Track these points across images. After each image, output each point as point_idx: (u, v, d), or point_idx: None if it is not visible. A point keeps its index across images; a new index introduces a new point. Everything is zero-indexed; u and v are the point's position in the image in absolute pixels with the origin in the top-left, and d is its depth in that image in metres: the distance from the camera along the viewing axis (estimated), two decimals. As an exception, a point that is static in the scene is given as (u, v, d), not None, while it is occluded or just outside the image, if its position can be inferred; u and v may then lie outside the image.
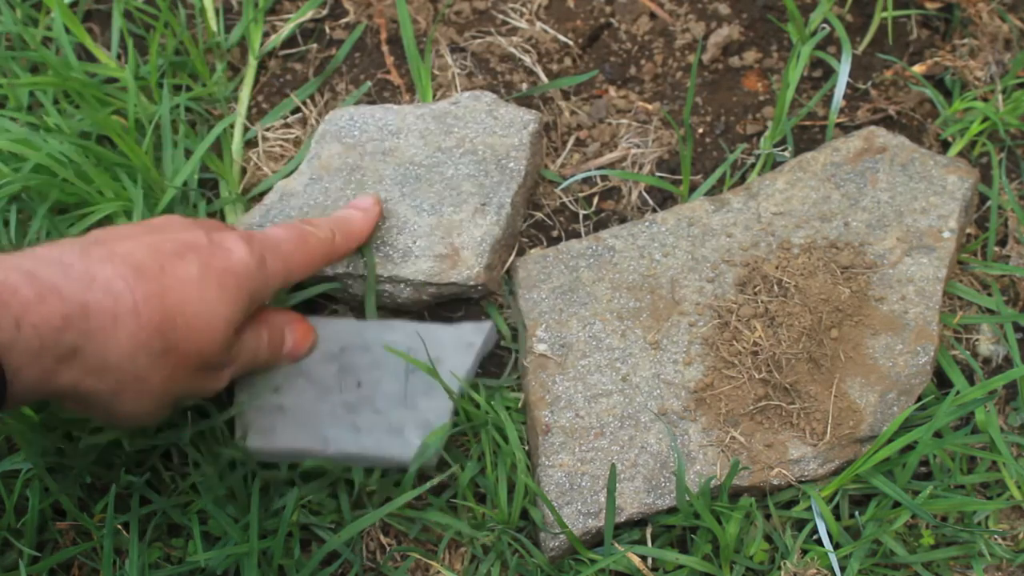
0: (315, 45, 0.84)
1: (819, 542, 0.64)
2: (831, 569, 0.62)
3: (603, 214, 0.77)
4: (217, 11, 0.84)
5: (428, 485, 0.64)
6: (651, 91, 0.81)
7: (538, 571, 0.64)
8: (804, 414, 0.65)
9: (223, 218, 0.76)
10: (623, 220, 0.76)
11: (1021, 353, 0.71)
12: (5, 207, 0.72)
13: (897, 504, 0.64)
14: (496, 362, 0.71)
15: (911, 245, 0.70)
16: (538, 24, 0.83)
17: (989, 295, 0.73)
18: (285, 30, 0.83)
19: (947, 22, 0.84)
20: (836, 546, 0.63)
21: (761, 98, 0.80)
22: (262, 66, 0.83)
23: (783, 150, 0.76)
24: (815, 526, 0.64)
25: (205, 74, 0.80)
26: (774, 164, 0.77)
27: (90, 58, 0.82)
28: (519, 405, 0.68)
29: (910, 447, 0.64)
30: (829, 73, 0.81)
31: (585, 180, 0.77)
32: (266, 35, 0.84)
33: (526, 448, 0.67)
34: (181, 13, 0.82)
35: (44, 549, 0.66)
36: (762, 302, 0.67)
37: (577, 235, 0.75)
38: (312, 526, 0.66)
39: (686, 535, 0.66)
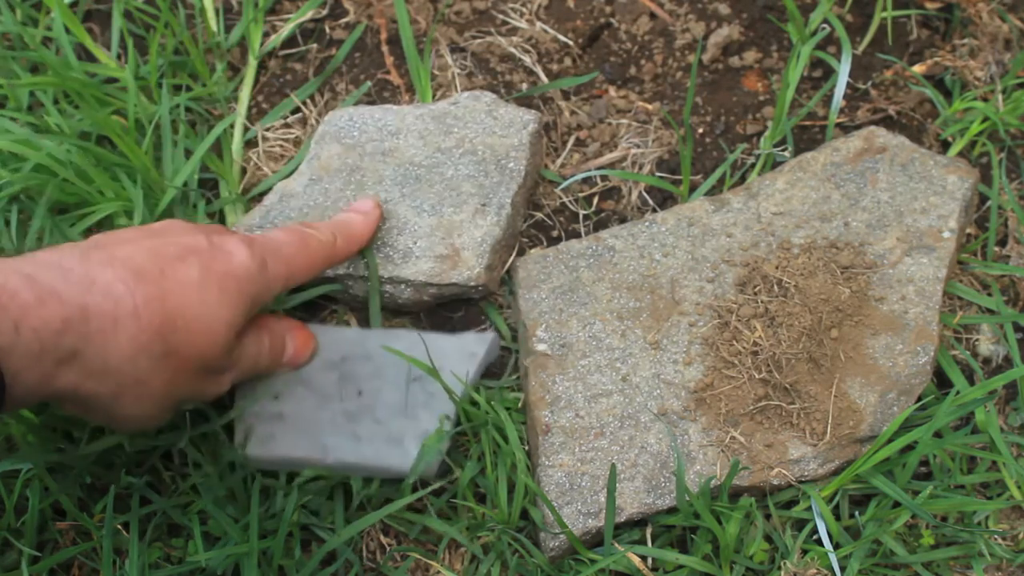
0: (315, 45, 0.84)
1: (819, 542, 0.64)
2: (831, 569, 0.62)
3: (603, 214, 0.77)
4: (217, 11, 0.84)
5: (428, 490, 0.64)
6: (651, 91, 0.81)
7: (538, 571, 0.64)
8: (804, 414, 0.65)
9: (223, 218, 0.76)
10: (623, 220, 0.76)
11: (1021, 353, 0.71)
12: (5, 207, 0.72)
13: (897, 504, 0.64)
14: (496, 362, 0.71)
15: (911, 245, 0.70)
16: (538, 24, 0.83)
17: (989, 295, 0.73)
18: (285, 30, 0.83)
19: (947, 22, 0.84)
20: (836, 546, 0.63)
21: (761, 98, 0.80)
22: (262, 66, 0.83)
23: (783, 150, 0.76)
24: (815, 526, 0.64)
25: (205, 74, 0.80)
26: (774, 164, 0.77)
27: (90, 58, 0.82)
28: (519, 405, 0.68)
29: (910, 447, 0.64)
30: (829, 73, 0.81)
31: (585, 180, 0.77)
32: (266, 35, 0.84)
33: (526, 448, 0.67)
34: (181, 13, 0.82)
35: (44, 549, 0.66)
36: (762, 302, 0.67)
37: (577, 235, 0.75)
38: (312, 526, 0.66)
39: (686, 535, 0.66)
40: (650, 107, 0.80)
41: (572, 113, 0.80)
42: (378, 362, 0.67)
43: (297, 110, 0.81)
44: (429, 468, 0.65)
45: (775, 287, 0.68)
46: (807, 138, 0.79)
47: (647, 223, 0.72)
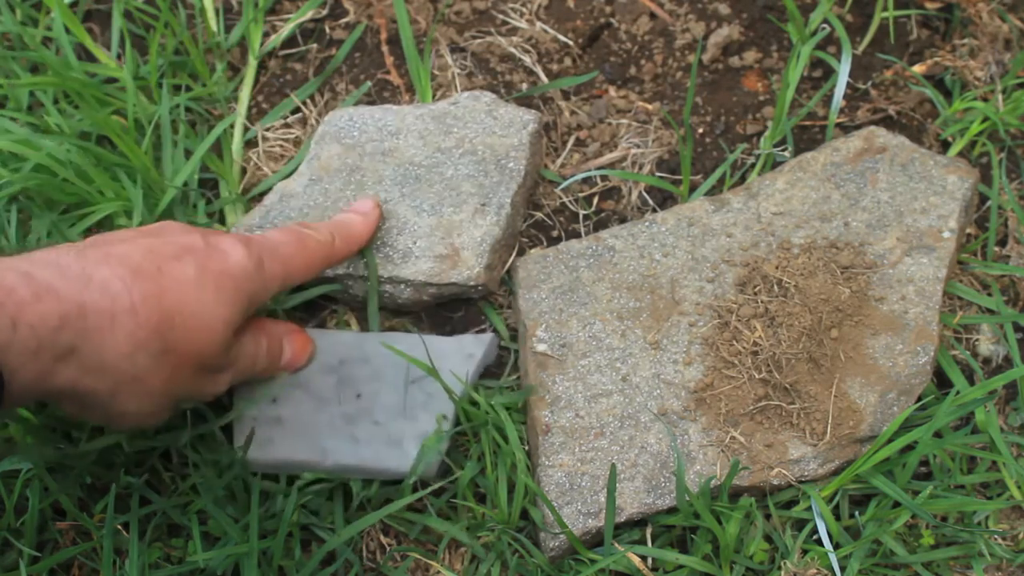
0: (315, 45, 0.84)
1: (819, 542, 0.64)
2: (831, 569, 0.62)
3: (603, 214, 0.77)
4: (217, 11, 0.84)
5: (427, 491, 0.64)
6: (651, 91, 0.81)
7: (538, 571, 0.64)
8: (804, 414, 0.65)
9: (223, 218, 0.76)
10: (623, 220, 0.76)
11: (1021, 353, 0.71)
12: (5, 207, 0.72)
13: (897, 504, 0.64)
14: (496, 362, 0.71)
15: (911, 245, 0.70)
16: (538, 24, 0.83)
17: (989, 295, 0.73)
18: (285, 30, 0.83)
19: (947, 22, 0.84)
20: (836, 546, 0.63)
21: (761, 98, 0.80)
22: (262, 66, 0.83)
23: (783, 150, 0.76)
24: (815, 526, 0.64)
25: (205, 74, 0.80)
26: (774, 164, 0.77)
27: (90, 58, 0.82)
28: (519, 405, 0.68)
29: (910, 447, 0.64)
30: (829, 73, 0.81)
31: (585, 180, 0.77)
32: (266, 35, 0.84)
33: (526, 448, 0.67)
34: (181, 13, 0.82)
35: (44, 549, 0.66)
36: (762, 302, 0.67)
37: (577, 235, 0.75)
38: (312, 526, 0.66)
39: (686, 535, 0.66)
40: (650, 107, 0.80)
41: (572, 113, 0.80)
42: (376, 365, 0.67)
43: (297, 110, 0.81)
44: (429, 468, 0.65)
45: (775, 287, 0.68)
46: (807, 138, 0.79)
47: (647, 223, 0.72)
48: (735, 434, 0.65)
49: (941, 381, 0.70)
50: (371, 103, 0.80)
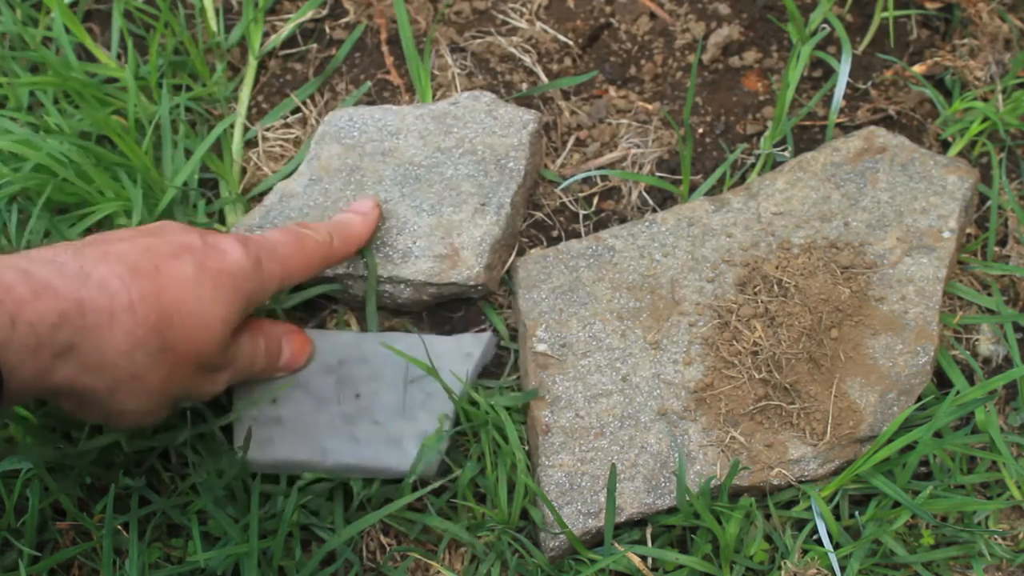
0: (315, 45, 0.84)
1: (819, 542, 0.64)
2: (831, 569, 0.62)
3: (603, 214, 0.77)
4: (217, 11, 0.84)
5: (427, 490, 0.64)
6: (651, 91, 0.81)
7: (538, 571, 0.64)
8: (804, 414, 0.65)
9: (223, 218, 0.76)
10: (623, 220, 0.76)
11: (1021, 353, 0.71)
12: (5, 207, 0.72)
13: (897, 504, 0.64)
14: (496, 362, 0.71)
15: (911, 245, 0.70)
16: (538, 24, 0.83)
17: (989, 295, 0.73)
18: (285, 30, 0.83)
19: (947, 22, 0.84)
20: (836, 546, 0.63)
21: (761, 98, 0.80)
22: (262, 66, 0.83)
23: (783, 150, 0.76)
24: (815, 526, 0.64)
25: (205, 74, 0.80)
26: (774, 164, 0.77)
27: (90, 58, 0.82)
28: (519, 405, 0.68)
29: (910, 447, 0.64)
30: (829, 73, 0.81)
31: (585, 180, 0.77)
32: (266, 35, 0.84)
33: (526, 448, 0.67)
34: (181, 13, 0.82)
35: (44, 549, 0.66)
36: (762, 302, 0.67)
37: (577, 235, 0.75)
38: (312, 526, 0.66)
39: (686, 535, 0.66)
40: (650, 107, 0.80)
41: (572, 113, 0.80)
42: (375, 365, 0.67)
43: (297, 110, 0.81)
44: (428, 468, 0.65)
45: (775, 287, 0.68)
46: (807, 138, 0.79)
47: (647, 223, 0.72)
48: (735, 434, 0.65)
49: (941, 381, 0.70)
50: (371, 103, 0.80)
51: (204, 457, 0.65)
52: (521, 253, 0.74)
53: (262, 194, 0.77)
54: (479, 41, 0.82)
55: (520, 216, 0.74)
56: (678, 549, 0.65)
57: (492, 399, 0.67)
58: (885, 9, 0.80)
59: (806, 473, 0.64)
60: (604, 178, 0.77)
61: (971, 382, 0.70)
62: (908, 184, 0.72)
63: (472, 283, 0.69)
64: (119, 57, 0.84)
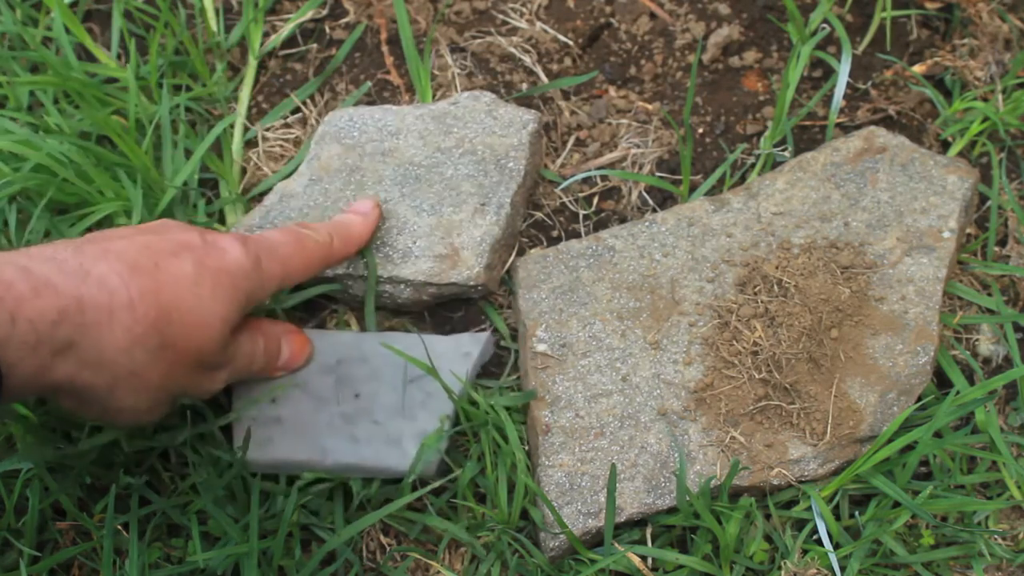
0: (315, 45, 0.84)
1: (819, 542, 0.64)
2: (831, 569, 0.62)
3: (603, 214, 0.77)
4: (217, 11, 0.84)
5: (427, 489, 0.64)
6: (651, 91, 0.81)
7: (538, 571, 0.64)
8: (804, 414, 0.65)
9: (223, 218, 0.76)
10: (623, 220, 0.76)
11: (1021, 353, 0.71)
12: (5, 207, 0.72)
13: (897, 504, 0.64)
14: (496, 362, 0.71)
15: (911, 245, 0.70)
16: (538, 24, 0.83)
17: (989, 295, 0.73)
18: (285, 30, 0.83)
19: (947, 22, 0.84)
20: (836, 546, 0.63)
21: (761, 98, 0.80)
22: (262, 66, 0.83)
23: (783, 150, 0.76)
24: (815, 526, 0.64)
25: (205, 74, 0.80)
26: (774, 164, 0.77)
27: (90, 58, 0.82)
28: (519, 405, 0.68)
29: (910, 447, 0.64)
30: (829, 73, 0.81)
31: (585, 180, 0.77)
32: (266, 35, 0.84)
33: (526, 448, 0.67)
34: (181, 13, 0.82)
35: (44, 549, 0.66)
36: (762, 302, 0.67)
37: (577, 235, 0.75)
38: (312, 526, 0.66)
39: (686, 535, 0.66)
40: (650, 107, 0.80)
41: (572, 113, 0.80)
42: (374, 364, 0.67)
43: (297, 110, 0.81)
44: (428, 467, 0.65)
45: (775, 287, 0.68)
46: (807, 138, 0.79)
47: (647, 223, 0.72)
48: (735, 434, 0.65)
49: (941, 381, 0.70)
50: (371, 103, 0.80)
51: (204, 457, 0.65)
52: (521, 253, 0.74)
53: (262, 194, 0.77)
54: (479, 41, 0.82)
55: (520, 216, 0.74)
56: (678, 549, 0.65)
57: (492, 399, 0.67)
58: (885, 9, 0.80)
59: (806, 473, 0.64)
60: (604, 178, 0.77)
61: (971, 382, 0.70)
62: (908, 184, 0.72)
63: (472, 283, 0.69)
64: (119, 57, 0.84)
